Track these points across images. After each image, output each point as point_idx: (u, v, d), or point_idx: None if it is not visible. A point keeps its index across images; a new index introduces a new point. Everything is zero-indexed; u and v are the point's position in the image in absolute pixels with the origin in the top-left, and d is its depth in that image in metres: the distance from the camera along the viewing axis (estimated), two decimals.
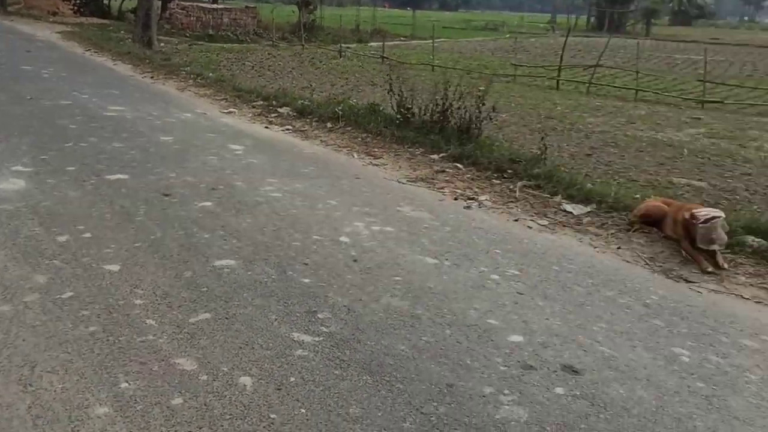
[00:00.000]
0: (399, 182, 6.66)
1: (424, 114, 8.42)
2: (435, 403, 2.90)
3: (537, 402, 2.94)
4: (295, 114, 10.08)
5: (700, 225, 4.69)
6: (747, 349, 3.57)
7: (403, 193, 6.23)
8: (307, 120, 9.74)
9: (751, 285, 4.49)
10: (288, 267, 4.25)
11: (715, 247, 4.73)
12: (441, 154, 7.56)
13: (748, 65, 30.77)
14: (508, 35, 45.45)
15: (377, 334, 3.47)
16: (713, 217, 4.72)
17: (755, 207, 6.99)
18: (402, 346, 3.35)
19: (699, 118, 14.32)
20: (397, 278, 4.18)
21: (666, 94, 18.02)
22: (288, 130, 9.18)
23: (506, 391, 3.01)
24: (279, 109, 10.38)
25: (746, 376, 3.27)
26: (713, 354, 3.48)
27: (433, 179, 6.78)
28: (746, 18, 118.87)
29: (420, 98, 8.81)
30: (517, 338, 3.50)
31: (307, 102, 10.48)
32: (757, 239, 5.02)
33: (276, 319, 3.57)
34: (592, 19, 63.45)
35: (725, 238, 4.78)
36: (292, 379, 3.04)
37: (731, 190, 7.79)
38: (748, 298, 4.30)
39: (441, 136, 7.92)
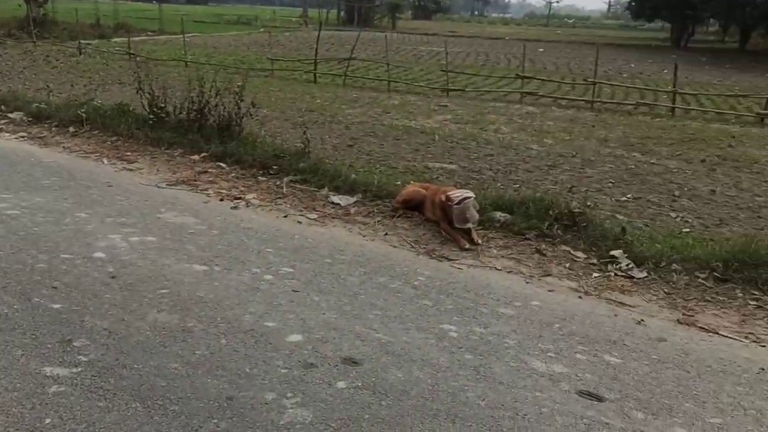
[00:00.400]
0: (158, 187, 6.25)
1: (180, 113, 8.01)
2: (215, 420, 2.74)
3: (320, 400, 2.90)
4: (30, 119, 9.03)
5: (455, 206, 5.01)
6: (504, 316, 3.87)
7: (164, 199, 5.85)
8: (46, 125, 8.77)
9: (502, 257, 4.90)
10: (33, 293, 3.75)
11: (470, 225, 5.09)
12: (202, 154, 7.25)
13: (481, 55, 33.98)
14: (261, 29, 45.26)
15: (145, 355, 3.19)
16: (465, 198, 5.06)
17: (499, 184, 7.70)
18: (175, 364, 3.12)
19: (445, 106, 15.47)
20: (164, 291, 3.89)
21: (415, 84, 19.19)
22: (22, 137, 8.18)
23: (289, 394, 2.93)
24: (9, 115, 9.22)
25: (506, 342, 3.54)
26: (476, 325, 3.72)
27: (195, 181, 6.47)
28: (476, 12, 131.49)
29: (174, 96, 8.36)
30: (295, 338, 3.44)
31: (43, 105, 9.43)
32: (503, 214, 5.50)
33: (23, 355, 3.12)
34: (342, 14, 65.64)
35: (477, 216, 5.17)
36: (48, 420, 2.68)
37: (478, 171, 8.50)
38: (500, 269, 4.68)
39: (200, 135, 7.58)
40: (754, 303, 4.12)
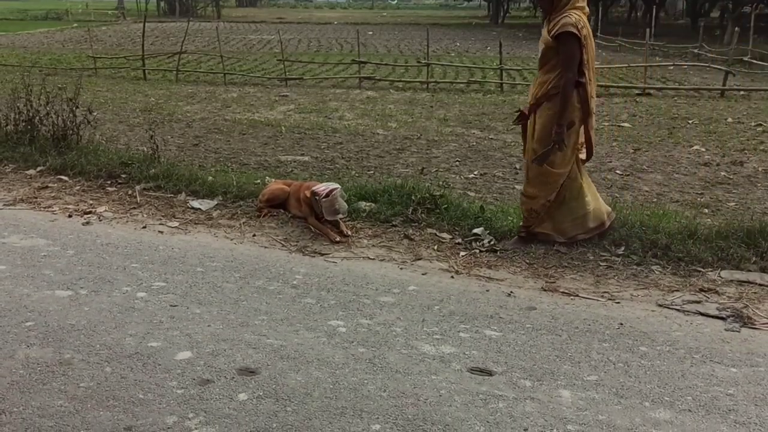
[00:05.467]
0: None
1: (7, 124, 7.34)
2: None
3: (224, 416, 2.86)
4: None
5: (323, 199, 5.05)
6: (386, 305, 3.99)
7: (3, 221, 5.37)
8: None
9: (373, 246, 5.02)
10: None
11: (340, 216, 5.16)
12: (39, 168, 6.70)
13: (313, 41, 34.00)
14: (75, 24, 42.30)
15: (24, 396, 2.95)
16: (332, 190, 5.12)
17: (353, 172, 7.84)
18: (59, 401, 2.92)
19: (286, 95, 15.39)
20: (29, 323, 3.61)
21: (251, 75, 18.87)
22: None
23: (191, 415, 2.86)
24: None
25: (393, 331, 3.66)
26: (362, 318, 3.81)
27: (36, 198, 5.98)
28: None
29: None
30: (185, 355, 3.34)
31: None
32: (368, 203, 5.62)
33: None
34: (163, 4, 62.71)
35: (346, 206, 5.25)
36: None
37: (330, 160, 8.60)
38: (373, 258, 4.80)
39: (33, 147, 7.00)
40: (605, 264, 4.56)
